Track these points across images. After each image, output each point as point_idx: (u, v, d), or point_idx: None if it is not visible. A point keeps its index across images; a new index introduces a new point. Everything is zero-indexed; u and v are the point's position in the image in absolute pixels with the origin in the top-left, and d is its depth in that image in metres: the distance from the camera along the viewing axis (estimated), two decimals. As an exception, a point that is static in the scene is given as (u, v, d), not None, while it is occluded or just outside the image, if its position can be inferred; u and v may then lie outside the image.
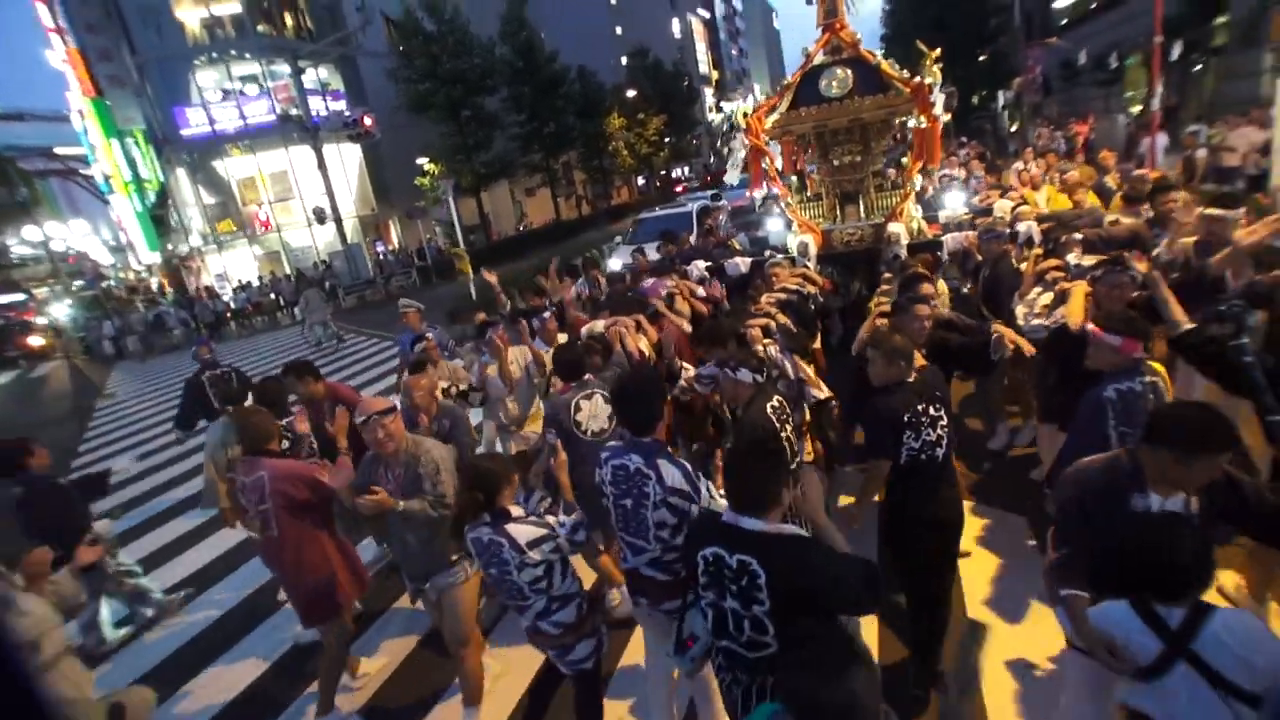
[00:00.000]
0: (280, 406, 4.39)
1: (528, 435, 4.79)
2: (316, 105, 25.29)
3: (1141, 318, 2.88)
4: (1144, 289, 3.30)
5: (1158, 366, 2.84)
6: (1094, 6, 24.44)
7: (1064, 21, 26.72)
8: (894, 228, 6.32)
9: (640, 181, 53.30)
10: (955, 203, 7.33)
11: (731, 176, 8.17)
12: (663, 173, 53.32)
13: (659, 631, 2.96)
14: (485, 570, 2.69)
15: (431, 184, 27.78)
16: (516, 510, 2.66)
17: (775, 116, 6.85)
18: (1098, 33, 23.97)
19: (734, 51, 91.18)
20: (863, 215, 6.98)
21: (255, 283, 25.26)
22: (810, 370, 3.99)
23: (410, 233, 30.74)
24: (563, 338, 5.02)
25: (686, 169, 58.53)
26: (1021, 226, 5.36)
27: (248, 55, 26.42)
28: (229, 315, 23.30)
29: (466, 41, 27.67)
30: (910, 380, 2.95)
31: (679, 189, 38.63)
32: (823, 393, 3.85)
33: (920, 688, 3.03)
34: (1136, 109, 19.48)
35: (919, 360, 3.06)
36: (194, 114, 26.38)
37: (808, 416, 3.80)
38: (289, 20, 27.84)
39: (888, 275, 5.45)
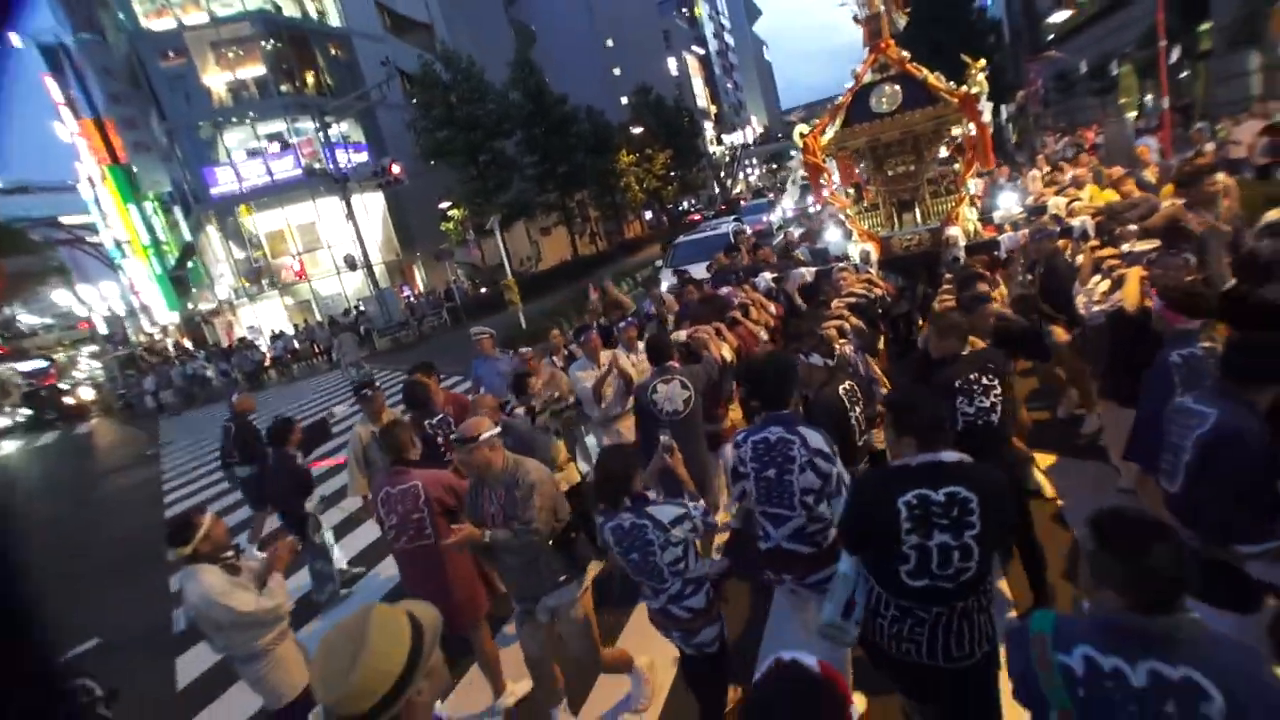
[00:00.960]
0: (427, 406, 4.67)
1: (620, 430, 5.08)
2: (341, 158, 26.13)
3: (1200, 292, 3.08)
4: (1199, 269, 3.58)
5: (1218, 332, 3.03)
6: (1083, 20, 25.17)
7: (1051, 37, 27.48)
8: (951, 231, 6.59)
9: (648, 215, 54.24)
10: (1010, 203, 7.53)
11: (790, 194, 8.51)
12: (670, 206, 54.22)
13: (799, 607, 3.14)
14: (626, 558, 2.74)
15: (456, 227, 28.48)
16: (650, 494, 2.82)
17: (830, 134, 7.22)
18: (1088, 45, 24.70)
19: (729, 85, 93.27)
20: (919, 221, 7.27)
21: (289, 331, 25.77)
22: (878, 370, 4.38)
23: (435, 275, 31.35)
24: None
25: (693, 200, 59.51)
26: (1075, 221, 5.60)
27: (272, 115, 27.39)
28: (268, 364, 23.75)
29: (481, 89, 28.64)
30: (964, 354, 3.30)
31: (695, 218, 39.29)
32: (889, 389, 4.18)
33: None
34: (1132, 114, 19.96)
35: (976, 342, 3.39)
36: (223, 173, 27.24)
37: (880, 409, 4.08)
38: (310, 79, 28.88)
39: (948, 276, 5.65)
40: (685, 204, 56.87)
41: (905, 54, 7.19)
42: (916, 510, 2.20)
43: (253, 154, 27.55)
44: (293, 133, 27.58)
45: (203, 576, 2.96)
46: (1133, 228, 5.01)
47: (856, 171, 8.47)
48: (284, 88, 27.57)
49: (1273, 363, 2.25)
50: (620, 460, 2.79)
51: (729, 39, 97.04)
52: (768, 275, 7.20)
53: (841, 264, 6.85)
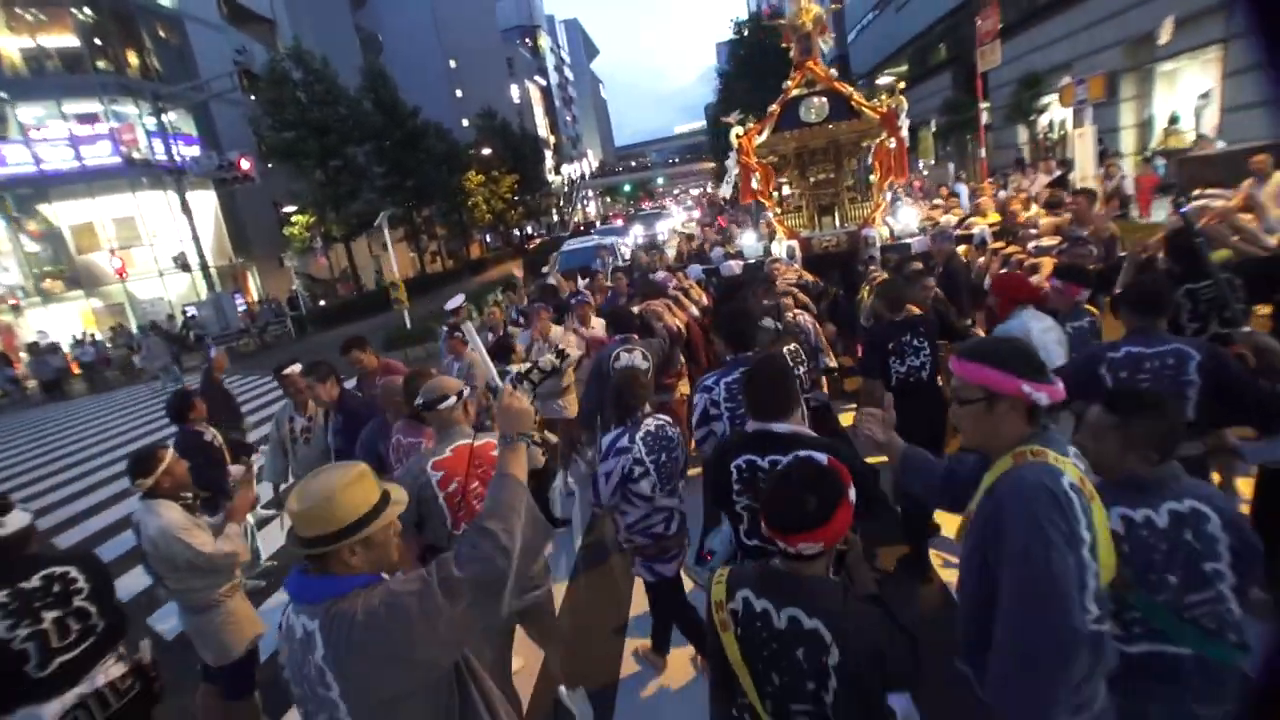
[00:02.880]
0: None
1: (563, 404, 5.49)
2: (161, 149, 23.72)
3: (1084, 270, 3.95)
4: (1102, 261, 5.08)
5: (1093, 310, 3.82)
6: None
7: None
8: (868, 233, 7.55)
9: (488, 238, 54.05)
10: (909, 218, 8.45)
11: (725, 190, 9.38)
12: (514, 229, 54.55)
13: None
14: (657, 458, 2.98)
15: (301, 233, 26.90)
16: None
17: (764, 138, 8.09)
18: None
19: (568, 118, 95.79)
20: (838, 224, 8.26)
21: (96, 336, 22.70)
22: (825, 339, 5.04)
23: (272, 281, 29.14)
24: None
25: (535, 225, 60.20)
26: (975, 230, 6.81)
27: (85, 93, 24.25)
28: (76, 372, 20.78)
29: (335, 92, 27.56)
30: (898, 319, 3.87)
31: (535, 242, 40.01)
32: (833, 362, 5.06)
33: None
34: (951, 165, 24.57)
35: (912, 309, 3.98)
36: (11, 151, 23.53)
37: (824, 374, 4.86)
38: (133, 59, 25.99)
39: (874, 270, 6.36)
40: (529, 229, 57.41)
41: (833, 71, 8.43)
42: (745, 474, 2.36)
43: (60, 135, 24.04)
44: (110, 115, 24.56)
45: (163, 510, 2.88)
46: (1034, 230, 6.22)
47: (774, 180, 9.03)
48: (101, 64, 24.56)
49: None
50: (634, 380, 3.15)
51: (569, 73, 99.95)
52: (697, 267, 8.06)
53: (773, 258, 7.58)
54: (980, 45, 16.67)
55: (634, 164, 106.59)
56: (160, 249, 24.83)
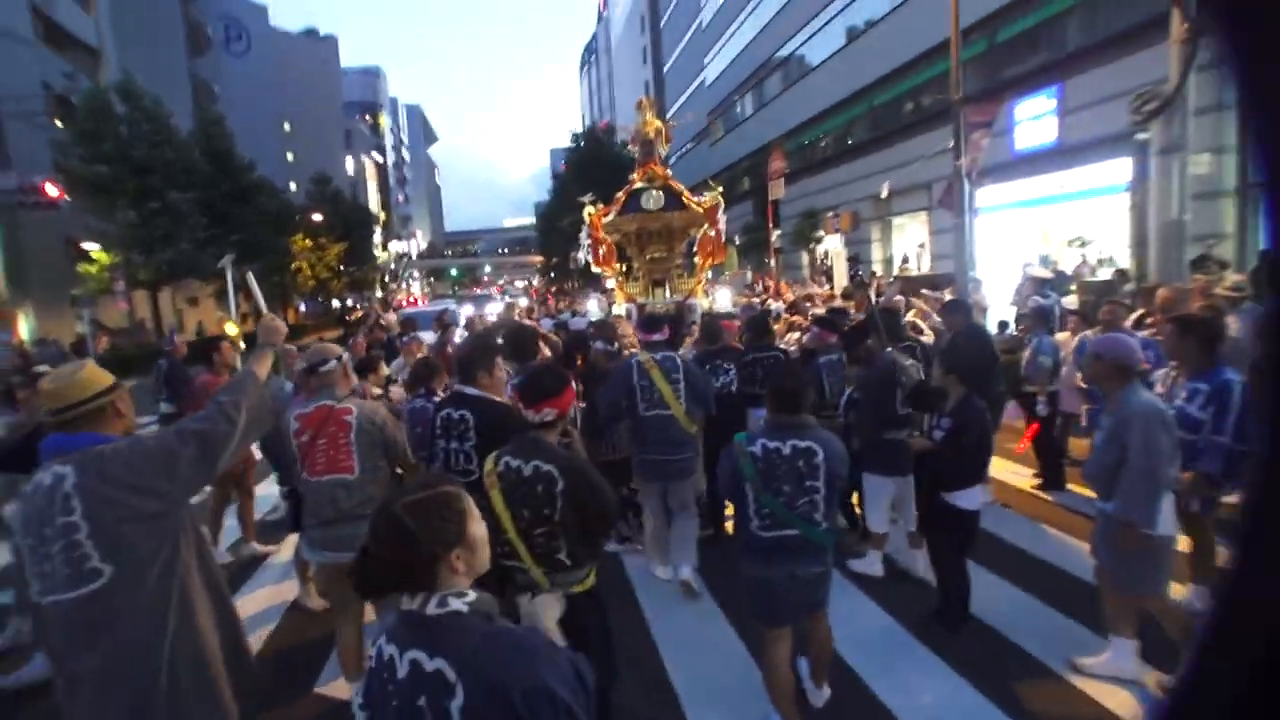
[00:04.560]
0: None
1: None
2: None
3: (835, 320, 6.07)
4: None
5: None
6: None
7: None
8: (692, 301, 9.48)
9: (303, 307, 51.81)
10: (724, 299, 10.46)
11: (582, 254, 10.91)
12: (335, 299, 52.85)
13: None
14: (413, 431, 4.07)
15: (101, 273, 24.81)
16: None
17: (609, 219, 9.87)
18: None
19: (400, 198, 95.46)
20: (669, 295, 9.95)
21: None
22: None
23: (52, 323, 26.09)
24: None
25: (355, 298, 58.52)
26: (773, 306, 9.44)
27: None
28: None
29: (164, 132, 26.45)
30: (719, 348, 5.57)
31: (357, 314, 39.35)
32: None
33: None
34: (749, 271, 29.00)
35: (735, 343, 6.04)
36: None
37: None
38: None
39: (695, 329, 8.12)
40: (349, 300, 55.77)
41: (668, 171, 10.16)
42: (444, 422, 3.47)
43: None
44: None
45: None
46: (809, 305, 9.04)
47: (613, 257, 10.54)
48: None
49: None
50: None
51: (406, 154, 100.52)
52: (548, 321, 9.77)
53: (616, 315, 9.27)
54: (770, 180, 20.94)
55: (463, 250, 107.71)
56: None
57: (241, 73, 54.24)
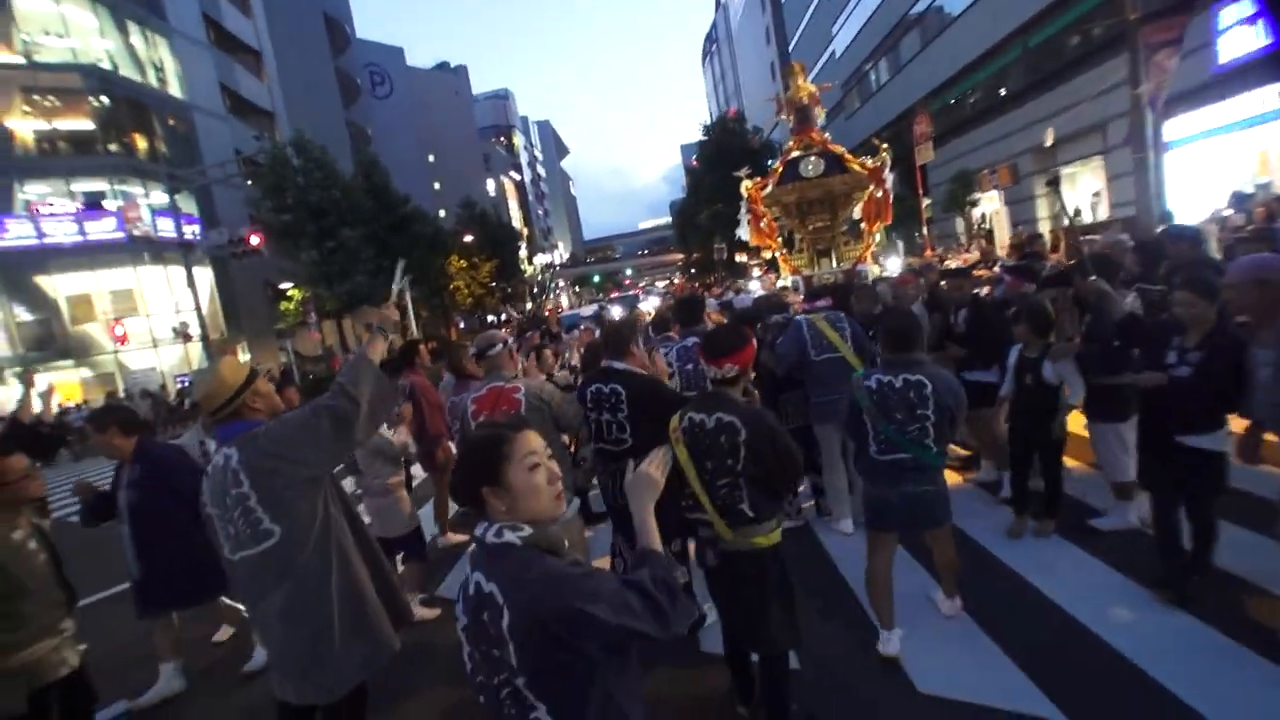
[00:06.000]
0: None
1: None
2: (165, 226, 25.00)
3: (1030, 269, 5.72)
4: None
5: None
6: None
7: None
8: (863, 269, 8.95)
9: (462, 324, 55.62)
10: (894, 264, 10.30)
11: (742, 231, 10.67)
12: (491, 315, 56.28)
13: None
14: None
15: (296, 309, 28.10)
16: None
17: (768, 191, 9.45)
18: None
19: (540, 211, 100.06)
20: (835, 264, 9.48)
21: (85, 405, 23.11)
22: None
23: (261, 355, 29.97)
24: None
25: (507, 313, 61.95)
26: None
27: (94, 173, 25.71)
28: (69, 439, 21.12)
29: (333, 177, 29.48)
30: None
31: (507, 330, 41.66)
32: None
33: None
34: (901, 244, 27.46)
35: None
36: (15, 225, 24.55)
37: None
38: (141, 143, 27.69)
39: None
40: (504, 315, 59.18)
41: (827, 135, 9.67)
42: (595, 397, 3.56)
43: (66, 211, 25.25)
44: (117, 195, 25.95)
45: None
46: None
47: (775, 229, 10.36)
48: (113, 147, 26.15)
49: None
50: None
51: (541, 170, 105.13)
52: (713, 300, 9.49)
53: (783, 287, 8.96)
54: (917, 144, 19.47)
55: (602, 256, 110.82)
56: (155, 321, 25.73)
57: (387, 113, 59.33)
